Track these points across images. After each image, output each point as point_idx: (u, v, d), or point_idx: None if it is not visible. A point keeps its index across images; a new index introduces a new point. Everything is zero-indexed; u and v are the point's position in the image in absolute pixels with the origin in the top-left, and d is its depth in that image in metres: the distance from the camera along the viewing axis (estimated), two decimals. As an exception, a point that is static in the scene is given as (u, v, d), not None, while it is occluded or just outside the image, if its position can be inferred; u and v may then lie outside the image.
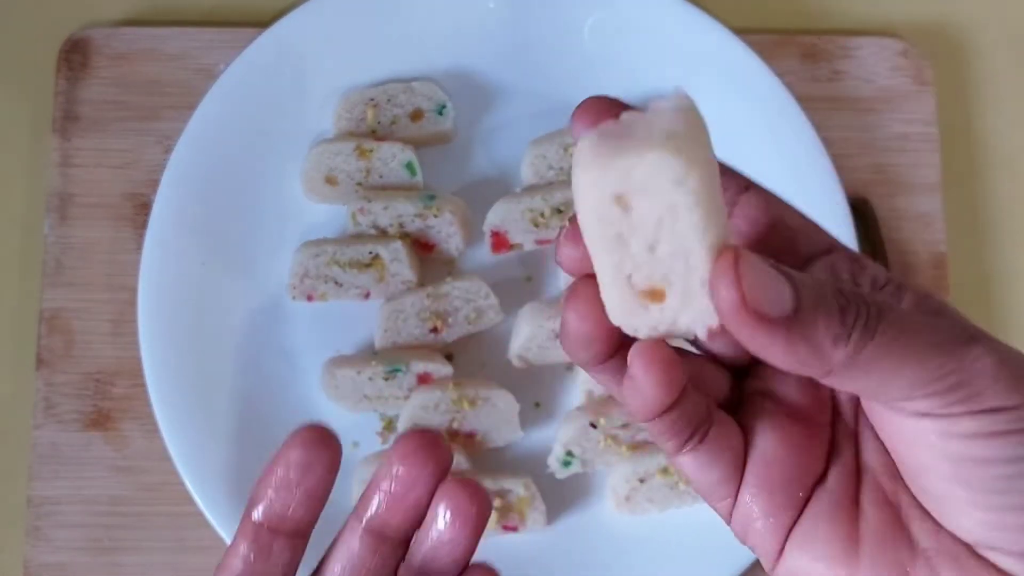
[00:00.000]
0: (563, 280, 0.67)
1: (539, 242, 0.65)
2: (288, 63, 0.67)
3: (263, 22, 0.69)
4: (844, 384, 0.29)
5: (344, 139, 0.66)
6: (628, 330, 0.29)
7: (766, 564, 0.33)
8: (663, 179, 0.25)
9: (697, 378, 0.32)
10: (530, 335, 0.63)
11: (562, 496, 0.64)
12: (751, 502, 0.32)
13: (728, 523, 0.33)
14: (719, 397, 0.33)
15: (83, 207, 0.68)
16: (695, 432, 0.31)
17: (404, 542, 0.35)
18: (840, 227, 0.65)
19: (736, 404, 0.33)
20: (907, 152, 0.71)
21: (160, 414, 0.62)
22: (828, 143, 0.66)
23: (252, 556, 0.34)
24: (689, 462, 0.31)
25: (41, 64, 0.70)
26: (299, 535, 0.35)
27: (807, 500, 0.32)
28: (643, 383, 0.29)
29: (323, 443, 0.34)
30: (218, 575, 0.35)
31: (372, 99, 0.67)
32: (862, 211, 0.69)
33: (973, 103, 0.73)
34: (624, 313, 0.28)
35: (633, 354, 0.29)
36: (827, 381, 0.29)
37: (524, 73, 0.69)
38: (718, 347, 0.33)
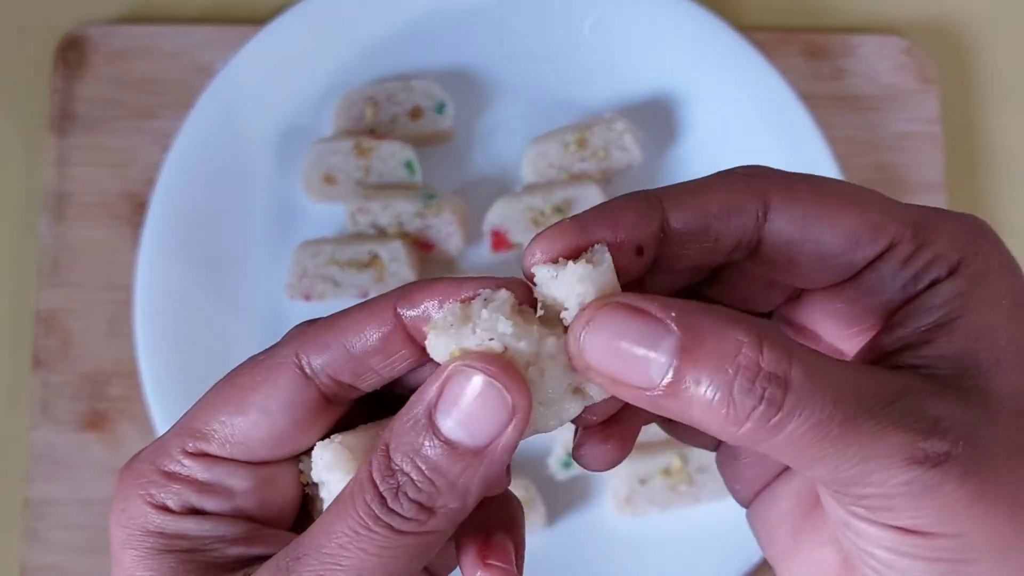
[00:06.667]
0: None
1: (539, 242, 0.65)
2: (286, 61, 0.67)
3: (260, 20, 0.68)
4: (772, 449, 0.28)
5: (343, 137, 0.66)
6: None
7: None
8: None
9: None
10: (530, 335, 0.62)
11: (562, 497, 0.64)
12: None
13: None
14: None
15: (80, 206, 0.68)
16: None
17: None
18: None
19: None
20: (910, 150, 0.70)
21: (157, 415, 0.62)
22: (831, 141, 0.66)
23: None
24: None
25: (37, 62, 0.70)
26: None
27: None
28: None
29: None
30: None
31: (371, 97, 0.67)
32: (865, 210, 0.69)
33: (977, 101, 0.73)
34: None
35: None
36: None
37: (524, 72, 0.69)
38: None
